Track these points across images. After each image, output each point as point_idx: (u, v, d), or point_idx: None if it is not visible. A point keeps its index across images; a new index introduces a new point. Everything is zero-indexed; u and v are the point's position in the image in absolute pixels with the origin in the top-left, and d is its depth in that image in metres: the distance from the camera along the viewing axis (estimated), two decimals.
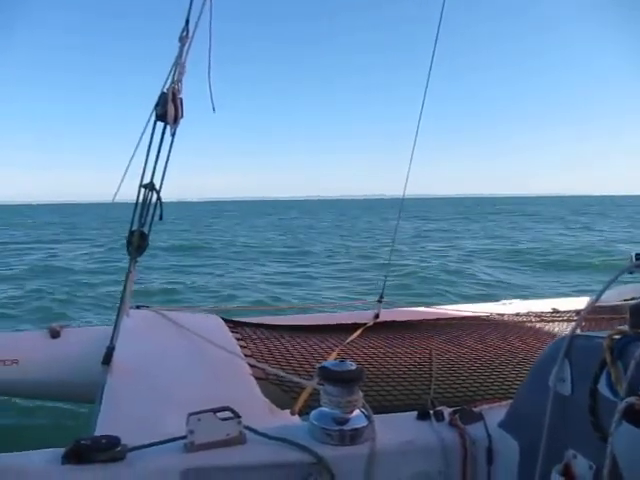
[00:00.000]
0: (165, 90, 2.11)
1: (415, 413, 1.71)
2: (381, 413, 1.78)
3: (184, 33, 2.09)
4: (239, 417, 1.48)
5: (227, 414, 1.48)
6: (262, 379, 2.45)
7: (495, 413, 1.70)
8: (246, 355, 2.77)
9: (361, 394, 1.57)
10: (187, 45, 2.11)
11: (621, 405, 1.11)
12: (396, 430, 1.61)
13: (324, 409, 1.55)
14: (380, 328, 4.10)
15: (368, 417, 1.56)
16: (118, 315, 2.35)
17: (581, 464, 1.29)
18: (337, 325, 4.03)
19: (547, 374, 1.44)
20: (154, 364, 2.48)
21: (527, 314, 4.69)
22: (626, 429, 1.11)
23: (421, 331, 4.06)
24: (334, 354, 3.02)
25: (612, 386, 1.20)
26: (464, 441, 1.56)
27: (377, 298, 4.58)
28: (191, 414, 1.44)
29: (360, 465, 1.47)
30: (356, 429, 1.52)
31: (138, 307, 3.65)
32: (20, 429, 4.24)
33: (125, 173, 2.37)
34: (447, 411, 1.70)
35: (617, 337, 1.23)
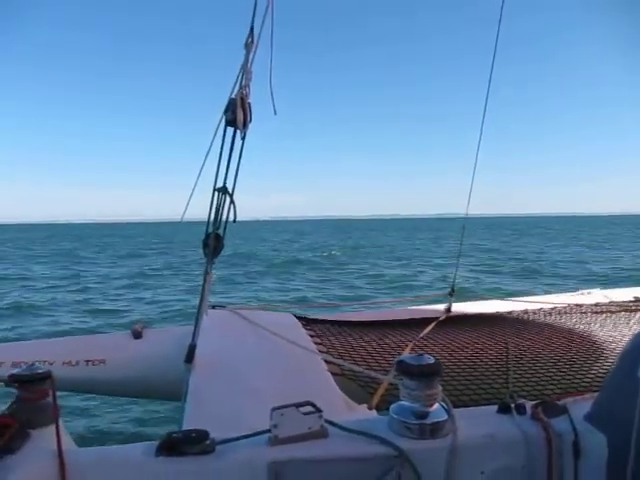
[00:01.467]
0: (234, 96, 2.18)
1: (495, 407, 1.68)
2: (459, 408, 1.77)
3: (249, 40, 2.15)
4: (320, 411, 1.51)
5: (309, 408, 1.51)
6: (338, 375, 2.48)
7: (580, 406, 1.65)
8: (321, 351, 2.81)
9: (440, 387, 1.57)
10: (253, 51, 2.16)
11: None
12: (477, 424, 1.58)
13: (404, 403, 1.55)
14: (453, 321, 4.05)
15: (448, 411, 1.55)
16: (198, 314, 2.44)
17: None
18: (409, 320, 4.02)
19: (635, 365, 1.38)
20: (234, 361, 2.57)
21: (608, 304, 4.49)
22: None
23: (496, 324, 3.97)
24: (408, 349, 3.01)
25: None
26: (548, 435, 1.52)
27: (448, 291, 4.52)
28: (274, 408, 1.48)
29: (442, 458, 1.46)
30: (437, 422, 1.52)
31: (214, 307, 3.79)
32: (113, 425, 4.52)
33: (196, 182, 2.45)
34: (529, 404, 1.66)
35: None
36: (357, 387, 2.44)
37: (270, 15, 2.13)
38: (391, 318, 4.13)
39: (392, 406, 1.59)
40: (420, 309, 4.62)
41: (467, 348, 3.23)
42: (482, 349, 3.18)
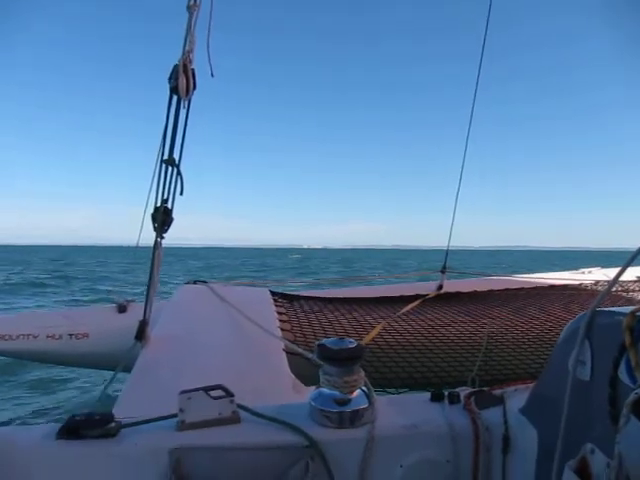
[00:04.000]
0: (177, 62, 2.06)
1: (429, 394, 1.58)
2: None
3: (191, 1, 2.02)
4: (232, 396, 1.43)
5: (219, 392, 1.43)
6: (294, 354, 2.40)
7: (521, 397, 1.53)
8: (284, 329, 2.74)
9: (363, 373, 1.47)
10: (196, 13, 2.03)
11: (630, 397, 0.94)
12: (403, 413, 1.48)
13: (323, 390, 1.46)
14: (441, 299, 3.94)
15: (369, 398, 1.46)
16: (148, 291, 2.37)
17: (598, 461, 1.11)
18: (397, 297, 3.92)
19: (568, 354, 1.26)
20: (189, 340, 2.51)
21: (606, 282, 4.32)
22: (636, 426, 0.93)
23: (485, 302, 3.84)
24: (379, 327, 2.91)
25: (632, 372, 1.02)
26: (477, 427, 1.42)
27: (440, 269, 4.40)
28: (182, 392, 1.41)
29: (358, 449, 1.37)
30: (356, 411, 1.42)
31: (195, 282, 3.73)
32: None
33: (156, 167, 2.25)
34: (464, 393, 1.56)
35: None
36: (312, 368, 2.35)
37: None
38: (382, 295, 4.03)
39: (311, 393, 1.50)
40: (412, 286, 4.50)
41: (446, 327, 3.12)
42: (460, 329, 3.06)
